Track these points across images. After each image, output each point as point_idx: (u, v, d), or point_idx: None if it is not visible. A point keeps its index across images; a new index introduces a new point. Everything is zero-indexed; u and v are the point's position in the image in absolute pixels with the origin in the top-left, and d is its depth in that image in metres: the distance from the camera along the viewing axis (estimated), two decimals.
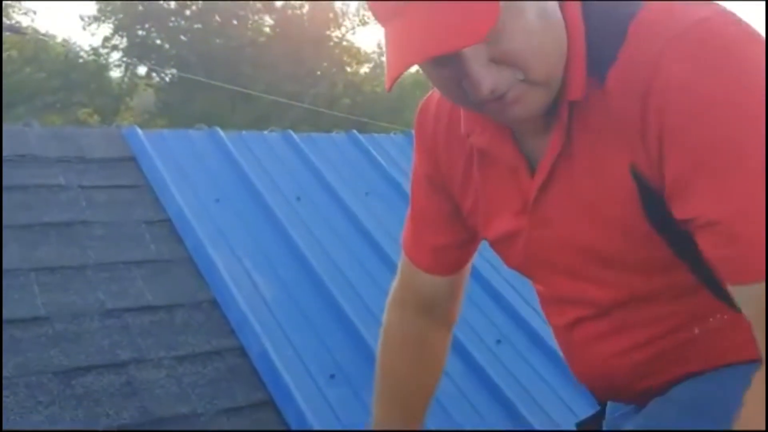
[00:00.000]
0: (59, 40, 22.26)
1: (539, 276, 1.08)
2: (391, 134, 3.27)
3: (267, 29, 21.73)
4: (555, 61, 0.85)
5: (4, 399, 1.55)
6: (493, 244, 1.10)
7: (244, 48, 20.37)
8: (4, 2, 18.68)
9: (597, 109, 0.88)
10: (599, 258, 0.95)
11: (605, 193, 0.90)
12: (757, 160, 0.78)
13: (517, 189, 0.99)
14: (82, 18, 26.24)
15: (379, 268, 2.31)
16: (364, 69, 23.74)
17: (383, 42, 0.88)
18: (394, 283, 1.29)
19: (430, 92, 1.14)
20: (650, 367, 1.00)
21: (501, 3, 0.77)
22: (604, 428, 1.18)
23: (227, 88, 16.80)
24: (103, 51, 21.62)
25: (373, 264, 2.34)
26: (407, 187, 1.53)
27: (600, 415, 1.20)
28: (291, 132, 2.97)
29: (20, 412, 1.54)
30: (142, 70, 22.21)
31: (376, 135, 3.17)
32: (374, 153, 2.93)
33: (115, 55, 21.88)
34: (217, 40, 20.62)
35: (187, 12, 21.09)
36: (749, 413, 0.81)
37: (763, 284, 0.79)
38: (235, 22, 21.21)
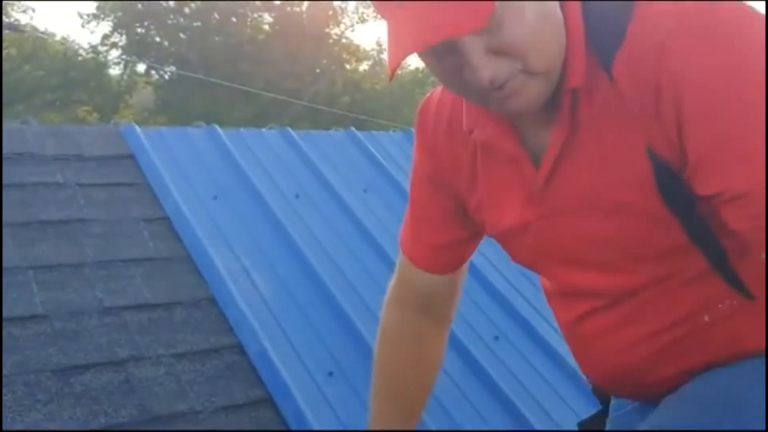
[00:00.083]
0: (58, 37, 22.28)
1: (547, 269, 1.08)
2: (390, 132, 3.27)
3: (266, 27, 21.69)
4: (554, 52, 0.86)
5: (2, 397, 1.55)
6: (500, 239, 1.10)
7: (244, 45, 20.34)
8: (3, 1, 18.66)
9: (605, 96, 0.88)
10: (610, 245, 0.95)
11: (618, 179, 0.90)
12: None
13: (520, 182, 1.00)
14: (81, 16, 26.25)
15: (377, 265, 2.31)
16: (363, 66, 23.72)
17: (382, 39, 0.89)
18: (392, 282, 1.29)
19: (429, 93, 1.15)
20: (663, 357, 1.00)
21: None
22: (608, 427, 1.17)
23: (226, 85, 16.79)
24: (102, 49, 21.59)
25: (371, 261, 2.34)
26: (406, 184, 1.53)
27: (601, 414, 1.19)
28: (289, 129, 2.97)
29: (18, 411, 1.54)
30: (141, 67, 22.22)
31: (374, 132, 3.17)
32: (373, 150, 2.92)
33: (114, 53, 21.88)
34: (216, 38, 20.60)
35: (186, 10, 21.05)
36: None
37: None
38: (234, 19, 21.18)
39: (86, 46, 23.12)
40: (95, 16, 21.55)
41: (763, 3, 0.84)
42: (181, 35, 21.22)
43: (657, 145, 0.86)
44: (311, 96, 19.43)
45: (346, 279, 2.24)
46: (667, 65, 0.82)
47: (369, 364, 1.34)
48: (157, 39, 21.53)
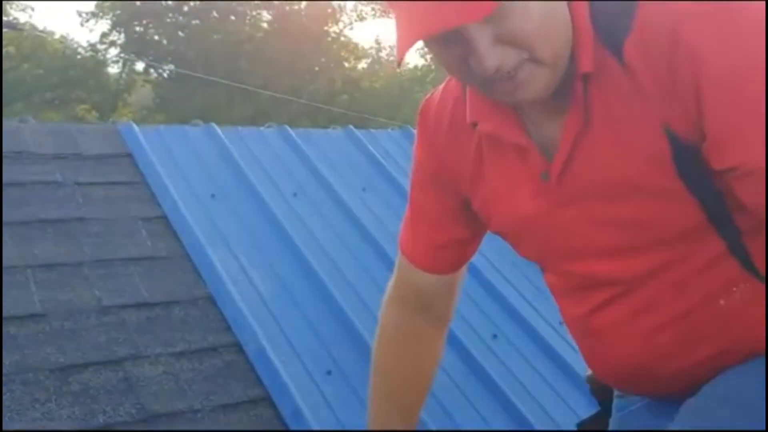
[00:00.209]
0: (57, 36, 22.20)
1: (557, 262, 1.07)
2: (389, 130, 3.27)
3: (265, 25, 21.67)
4: (560, 41, 0.87)
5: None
6: (507, 233, 1.10)
7: (242, 44, 20.31)
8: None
9: (616, 81, 0.88)
10: (629, 227, 0.95)
11: (635, 160, 0.90)
12: None
13: (529, 173, 0.99)
14: (79, 14, 26.12)
15: (376, 264, 2.31)
16: (362, 64, 23.71)
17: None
18: (391, 281, 1.29)
19: (430, 93, 1.15)
20: (679, 345, 0.98)
21: None
22: (612, 427, 1.16)
23: (225, 83, 16.75)
24: (100, 47, 21.57)
25: (370, 260, 2.33)
26: (405, 183, 1.53)
27: (602, 414, 1.19)
28: (287, 127, 2.96)
29: (17, 410, 1.53)
30: (140, 66, 22.18)
31: (373, 131, 3.16)
32: (371, 149, 2.92)
33: (113, 51, 21.83)
34: (215, 36, 20.57)
35: (185, 8, 21.03)
36: None
37: None
38: (233, 17, 21.16)
39: (85, 44, 23.02)
40: (94, 15, 21.52)
41: (764, 3, 0.85)
42: (180, 33, 21.19)
43: (674, 123, 0.87)
44: (310, 94, 19.39)
45: (345, 278, 2.24)
46: (682, 42, 0.83)
47: (367, 363, 1.34)
48: (156, 37, 21.51)
